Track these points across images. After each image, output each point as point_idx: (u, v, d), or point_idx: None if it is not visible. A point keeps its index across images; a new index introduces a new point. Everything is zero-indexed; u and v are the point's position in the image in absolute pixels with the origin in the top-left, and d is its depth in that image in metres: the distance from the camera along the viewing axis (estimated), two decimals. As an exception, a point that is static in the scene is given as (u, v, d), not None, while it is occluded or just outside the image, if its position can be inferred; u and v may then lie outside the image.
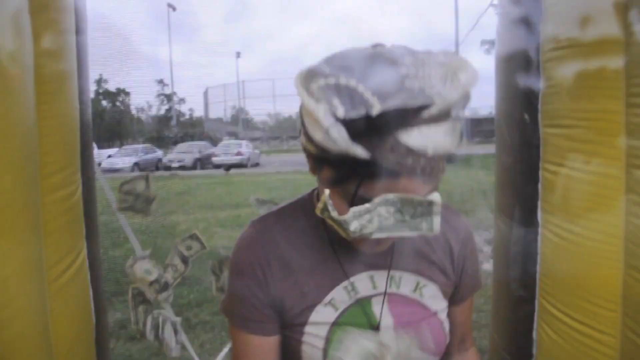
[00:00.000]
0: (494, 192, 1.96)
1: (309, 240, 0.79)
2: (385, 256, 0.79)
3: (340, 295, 0.77)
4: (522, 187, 1.73)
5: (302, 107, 0.63)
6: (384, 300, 0.79)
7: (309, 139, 0.63)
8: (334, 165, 0.63)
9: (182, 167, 17.47)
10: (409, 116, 0.54)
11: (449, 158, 0.62)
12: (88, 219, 1.63)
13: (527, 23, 1.64)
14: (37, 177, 1.31)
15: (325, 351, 0.76)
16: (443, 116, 0.55)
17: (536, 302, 1.51)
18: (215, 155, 17.83)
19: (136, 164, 17.76)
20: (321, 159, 0.65)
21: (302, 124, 0.65)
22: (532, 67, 1.62)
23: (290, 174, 12.96)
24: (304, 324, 0.77)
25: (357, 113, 0.54)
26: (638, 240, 1.23)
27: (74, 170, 1.53)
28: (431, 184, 0.62)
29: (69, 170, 1.49)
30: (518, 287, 1.62)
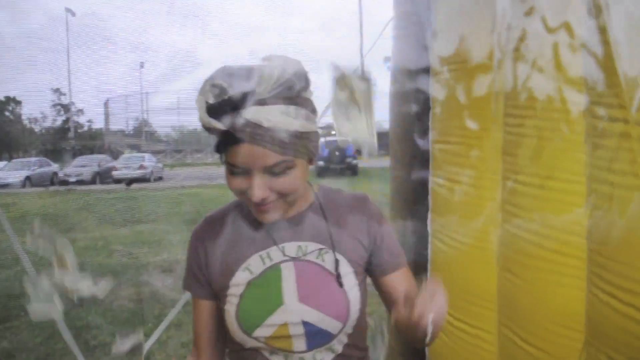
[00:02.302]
0: (388, 204, 2.08)
1: (236, 226, 1.01)
2: (294, 230, 0.99)
3: (255, 263, 0.97)
4: (414, 200, 1.86)
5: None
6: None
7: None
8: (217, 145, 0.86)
9: (81, 182, 16.52)
10: (245, 99, 0.80)
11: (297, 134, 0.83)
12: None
13: (419, 45, 1.77)
14: None
15: (238, 305, 0.94)
16: (272, 100, 0.80)
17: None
18: (116, 169, 17.01)
19: (28, 178, 16.52)
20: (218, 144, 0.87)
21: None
22: (423, 87, 1.75)
23: (195, 188, 12.67)
24: (227, 287, 0.96)
25: (218, 99, 0.81)
26: (511, 245, 1.37)
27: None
28: (280, 152, 0.82)
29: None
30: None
